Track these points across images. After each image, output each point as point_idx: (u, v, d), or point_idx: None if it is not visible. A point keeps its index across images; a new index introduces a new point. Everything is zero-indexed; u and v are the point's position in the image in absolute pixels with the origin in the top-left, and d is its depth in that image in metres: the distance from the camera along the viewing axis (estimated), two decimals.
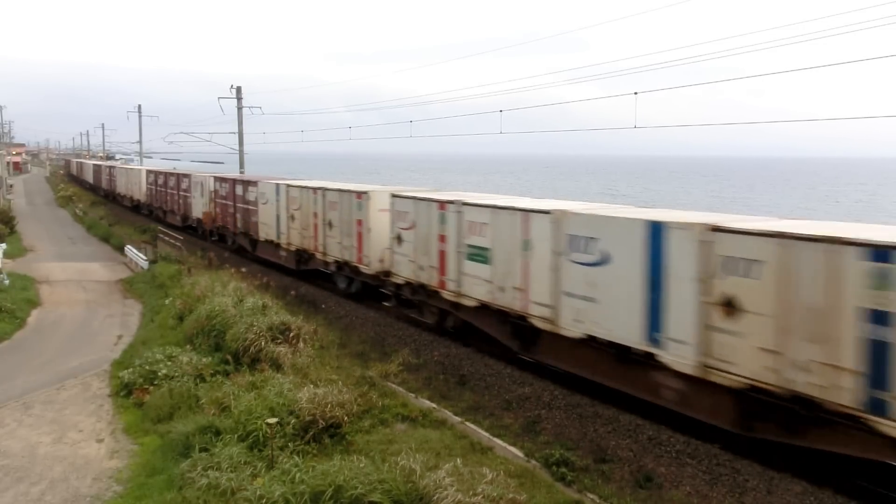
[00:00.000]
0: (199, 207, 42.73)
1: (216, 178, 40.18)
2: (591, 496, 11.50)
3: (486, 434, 13.82)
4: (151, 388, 17.67)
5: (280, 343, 18.57)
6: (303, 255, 29.32)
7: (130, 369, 18.88)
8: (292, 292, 26.43)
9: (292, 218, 29.50)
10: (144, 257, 36.35)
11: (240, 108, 49.28)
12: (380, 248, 23.62)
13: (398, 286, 22.79)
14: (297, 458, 12.43)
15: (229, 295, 22.64)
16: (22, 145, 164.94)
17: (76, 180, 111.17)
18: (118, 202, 68.27)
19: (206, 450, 13.35)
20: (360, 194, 24.64)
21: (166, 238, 40.08)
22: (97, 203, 73.10)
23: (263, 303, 21.52)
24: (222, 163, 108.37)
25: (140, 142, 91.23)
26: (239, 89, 49.46)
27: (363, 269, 24.52)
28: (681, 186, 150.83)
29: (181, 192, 46.26)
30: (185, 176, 45.93)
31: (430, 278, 20.71)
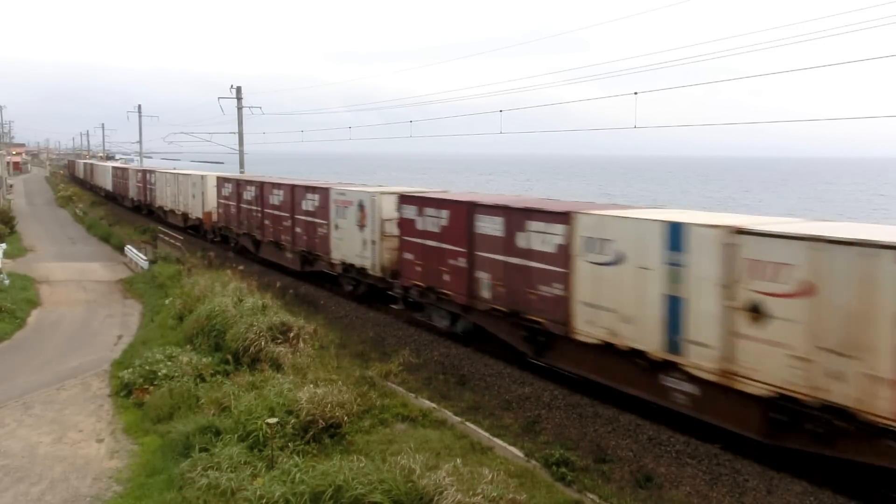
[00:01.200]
0: (353, 246, 24.96)
1: (407, 199, 22.12)
2: (591, 496, 11.51)
3: (486, 434, 13.83)
4: (151, 388, 17.67)
5: (280, 343, 18.57)
6: (812, 416, 11.64)
7: (130, 369, 18.88)
8: (291, 291, 26.40)
9: (756, 314, 12.18)
10: (144, 257, 36.34)
11: (240, 108, 49.29)
12: None
13: None
14: (297, 458, 12.44)
15: (229, 295, 22.63)
16: (22, 145, 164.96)
17: (83, 185, 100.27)
18: (158, 217, 52.56)
19: (206, 450, 13.36)
20: None
21: (166, 238, 40.08)
22: (97, 203, 73.10)
23: (263, 303, 21.51)
24: (222, 163, 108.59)
25: (140, 142, 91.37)
26: (239, 89, 49.48)
27: None
28: (678, 186, 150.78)
29: (299, 216, 29.39)
30: (313, 190, 28.51)
31: None
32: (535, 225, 16.83)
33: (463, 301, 19.45)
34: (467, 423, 14.32)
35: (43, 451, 15.09)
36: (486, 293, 18.51)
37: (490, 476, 10.84)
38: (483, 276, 18.58)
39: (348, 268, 25.54)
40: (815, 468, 12.00)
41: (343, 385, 15.16)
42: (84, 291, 32.10)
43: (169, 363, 18.36)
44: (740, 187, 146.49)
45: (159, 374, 17.93)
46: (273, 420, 13.44)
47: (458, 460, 11.36)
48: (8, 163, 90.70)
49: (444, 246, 20.06)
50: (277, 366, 17.49)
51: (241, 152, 49.48)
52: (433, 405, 15.24)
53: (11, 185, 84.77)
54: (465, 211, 19.33)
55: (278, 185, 31.70)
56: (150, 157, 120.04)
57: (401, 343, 20.27)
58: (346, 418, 14.10)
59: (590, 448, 13.46)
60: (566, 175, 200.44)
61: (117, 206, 67.73)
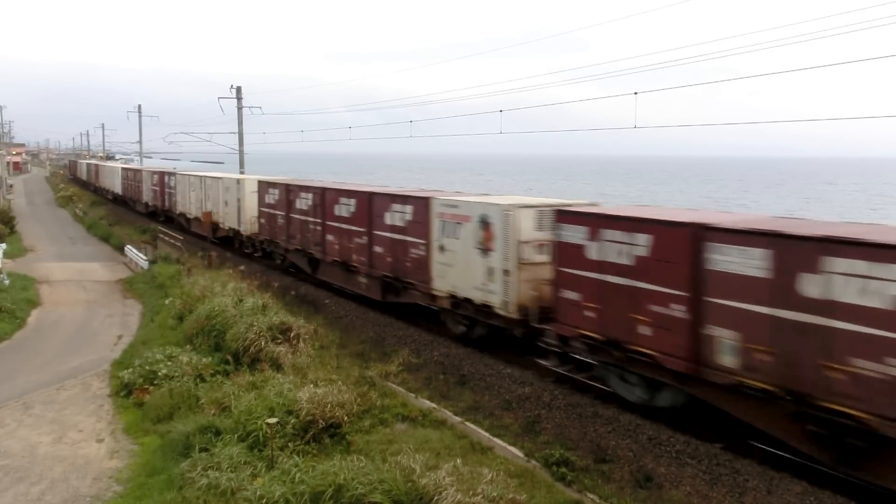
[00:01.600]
0: (470, 275, 18.94)
1: (569, 216, 16.03)
2: (591, 496, 11.51)
3: (486, 434, 13.82)
4: (151, 388, 17.69)
5: (280, 343, 18.58)
6: None
7: (130, 369, 18.90)
8: (292, 292, 26.40)
9: None
10: (144, 257, 36.37)
11: (240, 108, 49.30)
12: None
13: None
14: (297, 458, 12.46)
15: (229, 295, 22.65)
16: (22, 145, 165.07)
17: (85, 187, 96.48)
18: (179, 226, 46.06)
19: (206, 450, 13.37)
20: None
21: (166, 238, 40.09)
22: (97, 203, 73.11)
23: (263, 303, 21.53)
24: (222, 163, 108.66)
25: (140, 142, 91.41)
26: (239, 89, 49.50)
27: None
28: (678, 186, 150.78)
29: (380, 232, 23.12)
30: (403, 199, 22.24)
31: None
32: (842, 263, 10.99)
33: (678, 366, 13.56)
34: (467, 423, 14.32)
35: (43, 451, 15.10)
36: (727, 359, 12.70)
37: (490, 476, 10.84)
38: (722, 335, 12.74)
39: (460, 303, 19.59)
40: (815, 469, 12.01)
41: (343, 385, 15.17)
42: (84, 291, 32.10)
43: (169, 363, 18.37)
44: (739, 187, 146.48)
45: (159, 374, 17.95)
46: (273, 420, 13.45)
47: (458, 460, 11.37)
48: (8, 163, 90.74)
49: (641, 285, 14.13)
50: (277, 366, 17.50)
51: (241, 152, 49.49)
52: (433, 405, 15.24)
53: (11, 185, 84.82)
54: (685, 236, 13.35)
55: (349, 193, 25.29)
56: (150, 157, 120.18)
57: (401, 343, 20.26)
58: (346, 418, 14.10)
59: (590, 448, 13.45)
60: (566, 175, 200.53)
61: (128, 210, 62.99)
